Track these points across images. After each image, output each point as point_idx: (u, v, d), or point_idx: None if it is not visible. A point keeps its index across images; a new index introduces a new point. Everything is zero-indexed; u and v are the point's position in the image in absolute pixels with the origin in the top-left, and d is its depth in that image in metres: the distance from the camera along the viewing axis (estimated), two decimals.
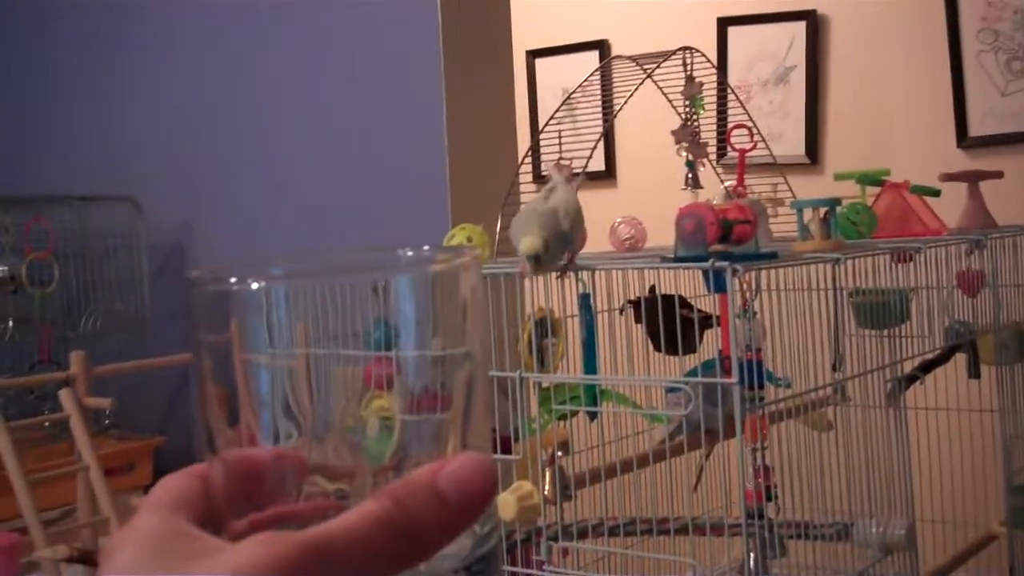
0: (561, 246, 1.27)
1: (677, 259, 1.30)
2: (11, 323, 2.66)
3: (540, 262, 1.22)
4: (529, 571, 1.36)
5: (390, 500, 0.33)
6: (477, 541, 0.35)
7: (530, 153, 1.82)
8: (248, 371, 0.35)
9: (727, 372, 1.37)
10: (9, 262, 2.64)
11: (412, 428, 0.36)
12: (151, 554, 0.33)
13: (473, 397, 0.36)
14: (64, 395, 2.04)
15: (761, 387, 1.30)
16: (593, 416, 1.45)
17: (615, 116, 1.71)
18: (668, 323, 1.33)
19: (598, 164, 3.25)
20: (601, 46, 3.44)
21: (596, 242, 1.73)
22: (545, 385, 1.40)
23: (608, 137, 3.32)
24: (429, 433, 0.36)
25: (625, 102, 1.66)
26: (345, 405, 0.35)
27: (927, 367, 1.67)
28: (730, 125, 1.88)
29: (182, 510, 0.35)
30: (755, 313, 1.35)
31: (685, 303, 1.48)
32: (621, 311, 1.54)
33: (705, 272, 1.22)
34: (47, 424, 2.43)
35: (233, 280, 0.34)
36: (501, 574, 1.34)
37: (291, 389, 0.35)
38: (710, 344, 1.50)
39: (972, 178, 1.89)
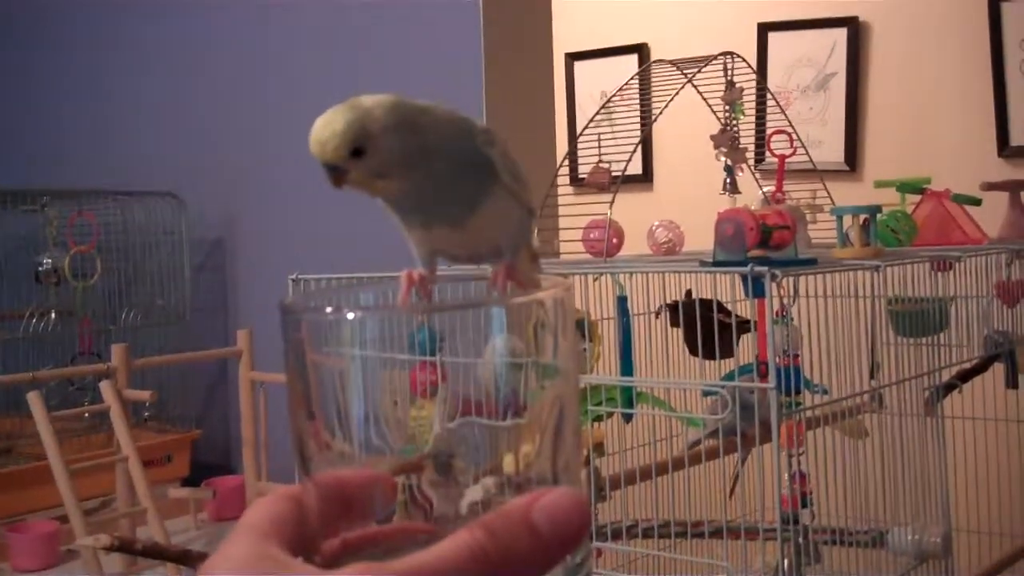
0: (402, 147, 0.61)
1: (716, 263, 1.31)
2: (53, 315, 2.70)
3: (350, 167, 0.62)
4: None
5: (483, 531, 0.33)
6: (569, 571, 0.35)
7: (568, 156, 1.83)
8: (344, 390, 0.36)
9: (763, 377, 1.37)
10: (53, 255, 2.68)
11: (463, 431, 0.36)
12: None
13: (564, 423, 0.37)
14: (105, 387, 2.06)
15: (798, 392, 1.30)
16: (628, 418, 1.45)
17: (655, 120, 1.71)
18: (705, 328, 1.33)
19: (635, 168, 3.25)
20: (640, 50, 3.44)
21: (633, 245, 1.73)
22: (580, 386, 1.41)
23: (645, 141, 3.32)
24: (481, 438, 0.36)
25: (665, 106, 1.66)
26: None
27: (964, 376, 1.66)
28: (770, 131, 1.88)
29: (275, 535, 0.35)
30: (792, 319, 1.35)
31: (722, 308, 1.49)
32: (657, 314, 1.55)
33: (744, 277, 1.23)
34: (87, 415, 2.47)
35: (330, 310, 0.37)
36: None
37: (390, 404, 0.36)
38: (747, 349, 1.50)
39: (1013, 187, 1.88)
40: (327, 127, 0.60)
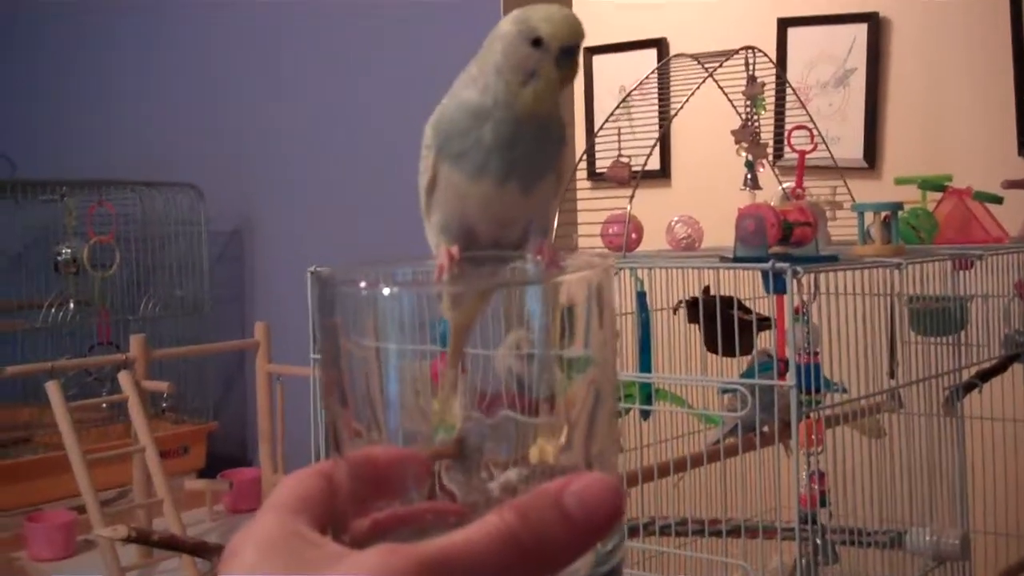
0: None
1: (736, 259, 1.30)
2: (72, 305, 2.71)
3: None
4: None
5: (513, 514, 0.32)
6: (600, 558, 0.34)
7: (586, 151, 1.82)
8: (381, 370, 0.35)
9: (782, 374, 1.36)
10: (72, 244, 2.69)
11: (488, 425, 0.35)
12: (269, 560, 0.33)
13: (599, 410, 0.35)
14: (123, 377, 2.07)
15: (818, 391, 1.29)
16: (646, 415, 1.45)
17: (675, 115, 1.71)
18: (724, 325, 1.33)
19: (653, 164, 3.24)
20: (659, 44, 3.43)
21: (652, 240, 1.73)
22: None
23: (663, 136, 3.31)
24: (503, 432, 0.35)
25: (686, 101, 1.65)
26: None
27: (984, 376, 1.65)
28: (790, 126, 1.87)
29: (303, 512, 0.35)
30: (811, 316, 1.34)
31: (741, 305, 1.48)
32: (675, 310, 1.54)
33: (764, 273, 1.22)
34: (105, 406, 2.48)
35: (364, 284, 0.35)
36: None
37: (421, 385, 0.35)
38: (765, 347, 1.49)
39: None
40: (572, 15, 0.68)
